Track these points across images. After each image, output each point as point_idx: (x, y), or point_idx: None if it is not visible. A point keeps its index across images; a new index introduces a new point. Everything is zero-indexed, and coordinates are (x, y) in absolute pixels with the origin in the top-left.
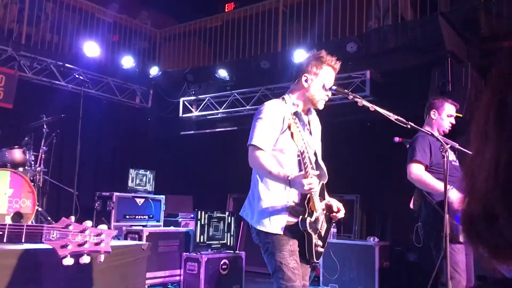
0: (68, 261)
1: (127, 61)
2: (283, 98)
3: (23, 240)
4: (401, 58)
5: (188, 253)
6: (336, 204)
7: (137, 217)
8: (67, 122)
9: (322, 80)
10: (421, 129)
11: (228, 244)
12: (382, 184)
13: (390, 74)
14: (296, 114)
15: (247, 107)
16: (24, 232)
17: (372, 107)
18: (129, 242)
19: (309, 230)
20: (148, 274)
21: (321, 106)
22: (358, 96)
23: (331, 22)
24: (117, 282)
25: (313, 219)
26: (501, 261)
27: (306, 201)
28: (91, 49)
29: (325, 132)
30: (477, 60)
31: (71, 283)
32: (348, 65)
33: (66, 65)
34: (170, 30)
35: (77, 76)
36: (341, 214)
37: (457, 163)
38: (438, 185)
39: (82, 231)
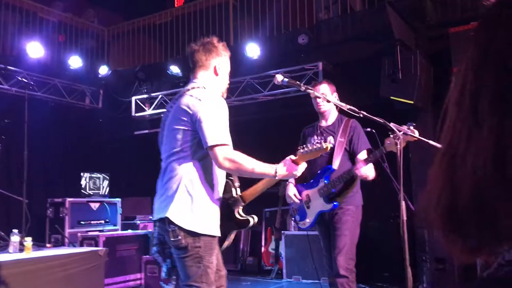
0: None
1: (75, 61)
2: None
3: None
4: (351, 48)
5: (148, 256)
6: None
7: (92, 222)
8: (12, 127)
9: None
10: (374, 117)
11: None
12: None
13: (342, 64)
14: None
15: None
16: None
17: (324, 98)
18: (84, 248)
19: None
20: (107, 280)
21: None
22: (310, 88)
23: (281, 15)
24: None
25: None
26: (485, 255)
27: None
28: (35, 50)
29: (281, 124)
30: (425, 48)
31: None
32: (300, 57)
33: (9, 67)
34: (119, 28)
35: (20, 78)
36: None
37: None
38: None
39: None
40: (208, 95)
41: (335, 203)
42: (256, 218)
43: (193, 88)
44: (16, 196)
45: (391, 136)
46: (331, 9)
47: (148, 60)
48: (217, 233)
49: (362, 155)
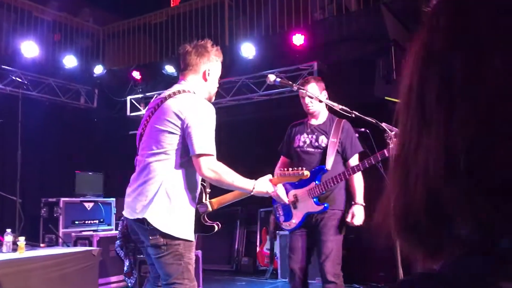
0: None
1: (70, 61)
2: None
3: None
4: (346, 48)
5: (142, 256)
6: None
7: (86, 222)
8: (6, 126)
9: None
10: (366, 117)
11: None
12: None
13: (336, 64)
14: None
15: None
16: None
17: (317, 98)
18: (78, 248)
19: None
20: (101, 280)
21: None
22: (302, 88)
23: (277, 14)
24: None
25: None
26: (438, 259)
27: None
28: (30, 49)
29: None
30: None
31: None
32: (295, 57)
33: (3, 66)
34: (114, 27)
35: (15, 78)
36: None
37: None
38: None
39: None
40: (199, 102)
41: (325, 205)
42: (219, 225)
43: (183, 91)
44: (9, 195)
45: (387, 139)
46: (327, 9)
47: (143, 60)
48: (192, 238)
49: (354, 160)
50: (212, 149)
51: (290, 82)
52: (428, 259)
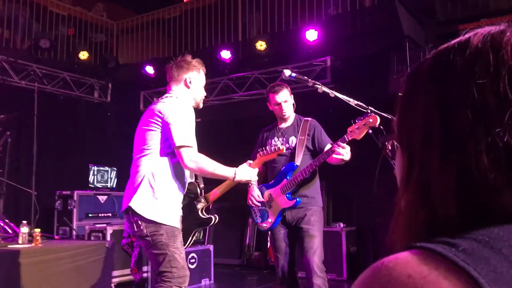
0: None
1: (84, 55)
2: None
3: None
4: (360, 44)
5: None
6: None
7: (100, 215)
8: (22, 120)
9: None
10: (382, 113)
11: (196, 237)
12: (346, 169)
13: (350, 60)
14: None
15: (210, 98)
16: None
17: (332, 93)
18: (91, 241)
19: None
20: (114, 273)
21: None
22: (318, 83)
23: (290, 10)
24: (81, 282)
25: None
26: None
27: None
28: (46, 43)
29: None
30: (434, 44)
31: (34, 284)
32: (308, 52)
33: (19, 61)
34: (127, 22)
35: (31, 72)
36: None
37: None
38: None
39: None
40: (179, 103)
41: (297, 199)
42: (217, 217)
43: (166, 97)
44: (25, 188)
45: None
46: (340, 4)
47: (157, 55)
48: (177, 224)
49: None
50: (192, 141)
51: (306, 77)
52: None
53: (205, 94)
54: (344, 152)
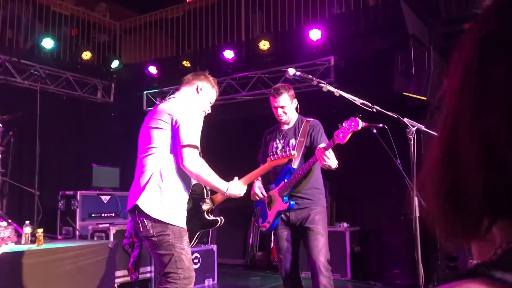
0: None
1: (87, 55)
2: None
3: None
4: (364, 43)
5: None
6: None
7: (103, 215)
8: (25, 120)
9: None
10: (387, 112)
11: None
12: (349, 169)
13: (354, 59)
14: None
15: None
16: None
17: (337, 92)
18: (95, 241)
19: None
20: (117, 273)
21: None
22: (322, 82)
23: (294, 9)
24: (84, 282)
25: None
26: (476, 238)
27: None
28: (48, 43)
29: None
30: (439, 43)
31: (36, 284)
32: (312, 52)
33: (22, 61)
34: (131, 22)
35: (34, 72)
36: None
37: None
38: None
39: None
40: (189, 104)
41: (291, 202)
42: (222, 219)
43: (175, 97)
44: (28, 188)
45: (347, 122)
46: (344, 3)
47: (160, 55)
48: (183, 225)
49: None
50: (197, 143)
51: (310, 76)
52: (466, 237)
53: (209, 110)
54: (328, 161)
